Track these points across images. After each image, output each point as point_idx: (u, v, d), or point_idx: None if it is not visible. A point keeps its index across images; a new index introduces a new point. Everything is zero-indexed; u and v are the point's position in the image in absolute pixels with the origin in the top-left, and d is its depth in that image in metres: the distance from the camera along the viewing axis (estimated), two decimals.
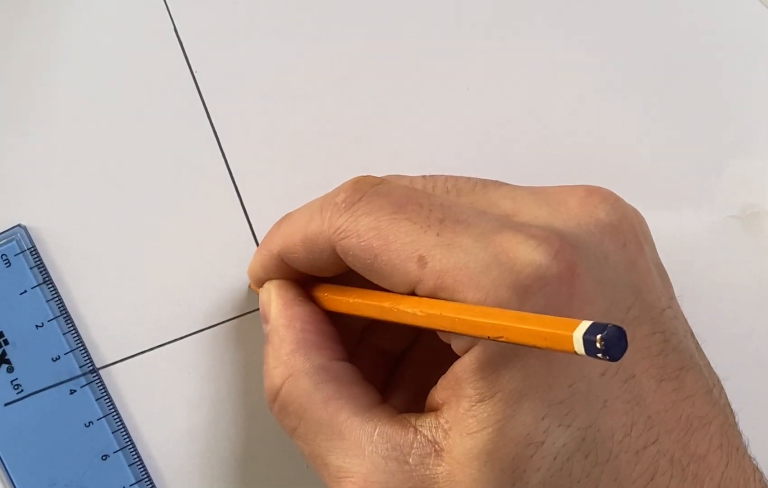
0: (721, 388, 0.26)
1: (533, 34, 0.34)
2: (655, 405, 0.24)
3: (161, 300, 0.32)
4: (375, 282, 0.26)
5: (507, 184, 0.28)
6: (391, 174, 0.29)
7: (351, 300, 0.27)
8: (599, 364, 0.24)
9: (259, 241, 0.33)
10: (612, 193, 0.27)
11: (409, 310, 0.24)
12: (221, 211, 0.33)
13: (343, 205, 0.26)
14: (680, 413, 0.24)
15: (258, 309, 0.32)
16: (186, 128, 0.32)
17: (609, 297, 0.24)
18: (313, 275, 0.28)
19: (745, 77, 0.35)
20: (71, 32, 0.32)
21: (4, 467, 0.31)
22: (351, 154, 0.33)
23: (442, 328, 0.24)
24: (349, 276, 0.27)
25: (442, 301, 0.24)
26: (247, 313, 0.32)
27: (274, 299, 0.28)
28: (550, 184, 0.28)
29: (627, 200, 0.28)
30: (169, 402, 0.32)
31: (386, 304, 0.25)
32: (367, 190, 0.26)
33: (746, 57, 0.35)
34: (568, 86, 0.34)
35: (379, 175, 0.31)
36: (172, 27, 0.33)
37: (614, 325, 0.19)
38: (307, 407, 0.26)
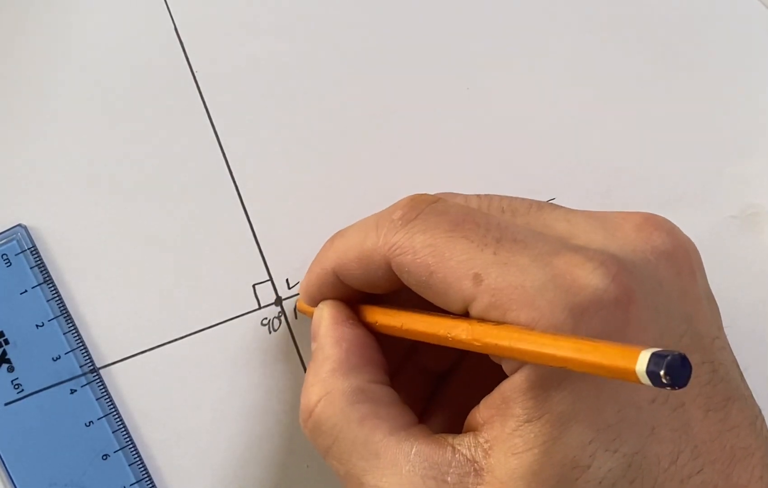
0: (763, 419, 0.26)
1: (533, 35, 0.34)
2: (701, 434, 0.24)
3: (161, 300, 0.32)
4: (429, 299, 0.26)
5: (562, 207, 0.28)
6: (395, 176, 0.29)
7: (404, 327, 0.27)
8: (650, 390, 0.24)
9: (260, 241, 0.33)
10: (668, 221, 0.27)
11: (464, 338, 0.24)
12: (221, 211, 0.33)
13: (400, 222, 0.26)
14: (725, 443, 0.24)
15: (258, 309, 0.32)
16: (186, 128, 0.32)
17: (662, 325, 0.24)
18: (366, 292, 0.28)
19: (745, 77, 0.35)
20: (71, 32, 0.32)
21: (4, 467, 0.31)
22: (351, 153, 0.33)
23: (498, 355, 0.24)
24: (402, 294, 0.27)
25: (497, 328, 0.24)
26: (246, 313, 0.32)
27: (325, 317, 0.28)
28: (551, 184, 0.28)
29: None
30: (169, 402, 0.32)
31: (441, 332, 0.25)
32: (423, 208, 0.26)
33: (746, 57, 0.35)
34: (569, 86, 0.34)
35: (378, 174, 0.31)
36: (173, 27, 0.33)
37: (676, 354, 0.19)
38: (342, 426, 0.26)
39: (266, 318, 0.33)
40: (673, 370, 0.19)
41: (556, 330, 0.23)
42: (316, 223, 0.33)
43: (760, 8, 0.35)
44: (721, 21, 0.35)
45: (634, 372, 0.19)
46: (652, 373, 0.19)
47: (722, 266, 0.33)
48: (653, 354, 0.19)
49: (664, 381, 0.19)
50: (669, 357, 0.19)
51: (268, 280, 0.33)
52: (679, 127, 0.35)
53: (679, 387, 0.19)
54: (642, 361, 0.19)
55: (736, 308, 0.34)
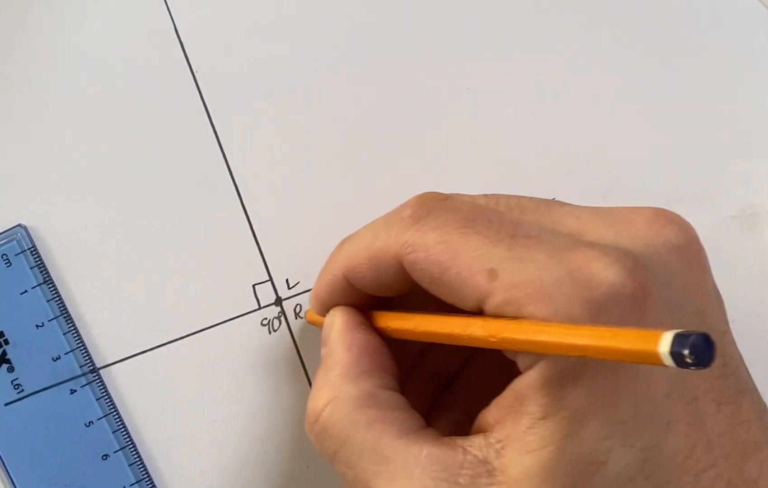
0: None
1: (533, 35, 0.34)
2: (714, 428, 0.24)
3: (161, 301, 0.32)
4: (441, 297, 0.25)
5: (569, 204, 0.27)
6: (389, 175, 0.29)
7: (417, 329, 0.27)
8: (664, 384, 0.24)
9: (260, 241, 0.33)
10: (678, 216, 0.26)
11: (480, 335, 0.24)
12: (222, 211, 0.33)
13: (410, 220, 0.26)
14: (737, 437, 0.24)
15: (258, 309, 0.32)
16: (186, 128, 0.33)
17: (675, 318, 0.24)
18: (377, 297, 0.28)
19: (745, 77, 0.35)
20: (72, 32, 0.32)
21: (5, 467, 0.31)
22: (351, 154, 0.33)
23: (517, 350, 0.24)
24: (412, 298, 0.27)
25: (514, 323, 0.23)
26: (246, 313, 0.32)
27: (337, 323, 0.28)
28: (551, 184, 0.28)
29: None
30: (169, 402, 0.32)
31: (456, 331, 0.25)
32: (434, 206, 0.26)
33: (746, 57, 0.35)
34: (569, 87, 0.34)
35: (378, 174, 0.31)
36: (173, 27, 0.33)
37: (699, 333, 0.19)
38: (349, 430, 0.26)
39: (266, 319, 0.33)
40: (697, 349, 0.19)
41: (573, 324, 0.22)
42: (315, 223, 0.33)
43: (760, 8, 0.35)
44: (721, 21, 0.35)
45: (657, 354, 0.19)
46: (676, 354, 0.19)
47: (722, 266, 0.33)
48: (677, 335, 0.19)
49: (688, 360, 0.19)
50: (693, 337, 0.19)
51: (268, 280, 0.33)
52: (679, 127, 0.35)
53: (704, 366, 0.19)
54: (665, 342, 0.19)
55: (736, 308, 0.34)
